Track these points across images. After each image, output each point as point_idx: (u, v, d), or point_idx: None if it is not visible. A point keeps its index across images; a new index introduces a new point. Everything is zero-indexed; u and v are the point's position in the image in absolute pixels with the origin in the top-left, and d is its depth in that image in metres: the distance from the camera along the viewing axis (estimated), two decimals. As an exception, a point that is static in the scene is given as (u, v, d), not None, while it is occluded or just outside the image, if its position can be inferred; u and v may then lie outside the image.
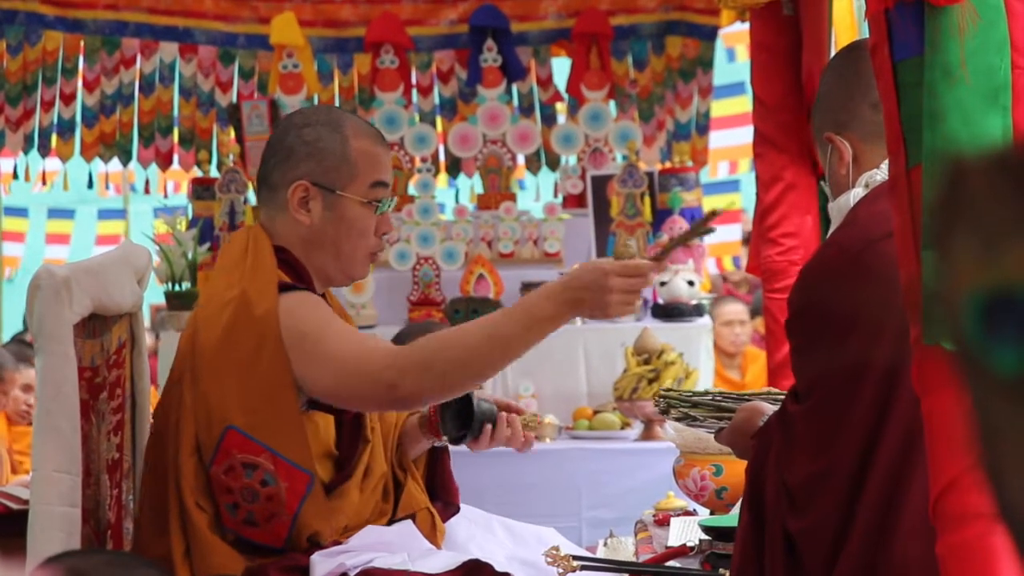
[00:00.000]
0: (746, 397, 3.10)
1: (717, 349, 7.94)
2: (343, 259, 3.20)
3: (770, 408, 2.88)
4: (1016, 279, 0.63)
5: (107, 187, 7.65)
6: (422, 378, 2.99)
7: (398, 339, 5.23)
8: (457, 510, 3.48)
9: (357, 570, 3.03)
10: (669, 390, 3.19)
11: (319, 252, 3.19)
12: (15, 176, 7.26)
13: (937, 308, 2.08)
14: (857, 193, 2.74)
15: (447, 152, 7.11)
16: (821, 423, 2.62)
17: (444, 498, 3.49)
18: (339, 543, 3.13)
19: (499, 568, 3.08)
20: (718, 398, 3.11)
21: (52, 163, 7.41)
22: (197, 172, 7.07)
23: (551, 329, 2.96)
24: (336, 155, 3.16)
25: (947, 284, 0.66)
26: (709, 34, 7.35)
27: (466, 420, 3.31)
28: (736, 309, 8.59)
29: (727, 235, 10.19)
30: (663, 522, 3.91)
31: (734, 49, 9.93)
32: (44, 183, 7.67)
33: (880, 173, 2.72)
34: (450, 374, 2.99)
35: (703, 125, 7.45)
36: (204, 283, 3.34)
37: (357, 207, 3.17)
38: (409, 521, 3.29)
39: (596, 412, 5.83)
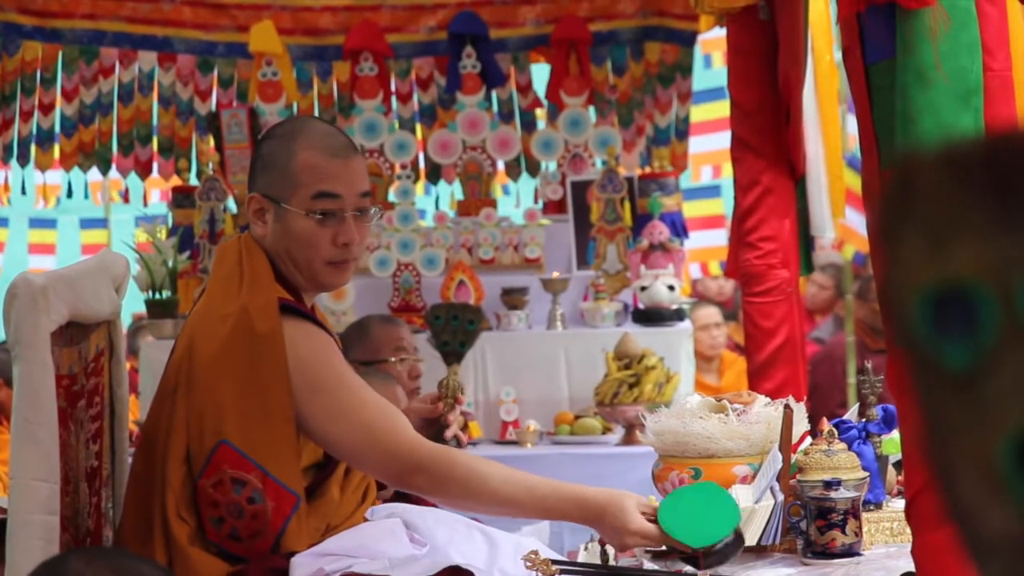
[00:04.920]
0: None
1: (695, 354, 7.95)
2: (302, 269, 3.22)
3: None
4: (964, 275, 0.63)
5: (85, 196, 7.61)
6: (434, 483, 3.10)
7: (348, 331, 5.17)
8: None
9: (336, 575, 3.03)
10: None
11: (282, 262, 3.23)
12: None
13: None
14: None
15: (427, 159, 7.10)
16: None
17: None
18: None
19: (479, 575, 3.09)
20: None
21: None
22: (177, 181, 7.07)
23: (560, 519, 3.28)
24: (279, 167, 3.20)
25: (898, 281, 0.66)
26: (687, 39, 7.36)
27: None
28: (711, 312, 8.61)
29: (711, 240, 10.18)
30: (643, 526, 3.90)
31: (711, 56, 9.94)
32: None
33: None
34: (455, 496, 3.15)
35: (682, 130, 7.46)
36: (202, 295, 3.34)
37: (301, 219, 3.18)
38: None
39: (577, 417, 5.83)
